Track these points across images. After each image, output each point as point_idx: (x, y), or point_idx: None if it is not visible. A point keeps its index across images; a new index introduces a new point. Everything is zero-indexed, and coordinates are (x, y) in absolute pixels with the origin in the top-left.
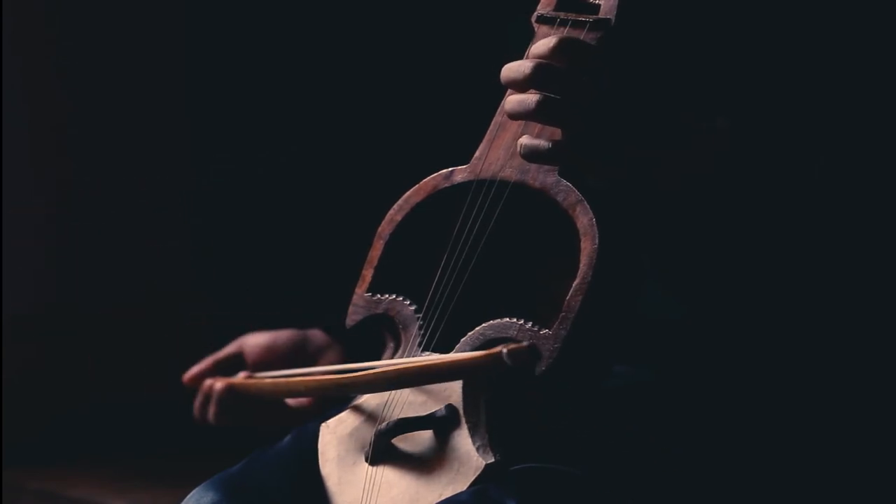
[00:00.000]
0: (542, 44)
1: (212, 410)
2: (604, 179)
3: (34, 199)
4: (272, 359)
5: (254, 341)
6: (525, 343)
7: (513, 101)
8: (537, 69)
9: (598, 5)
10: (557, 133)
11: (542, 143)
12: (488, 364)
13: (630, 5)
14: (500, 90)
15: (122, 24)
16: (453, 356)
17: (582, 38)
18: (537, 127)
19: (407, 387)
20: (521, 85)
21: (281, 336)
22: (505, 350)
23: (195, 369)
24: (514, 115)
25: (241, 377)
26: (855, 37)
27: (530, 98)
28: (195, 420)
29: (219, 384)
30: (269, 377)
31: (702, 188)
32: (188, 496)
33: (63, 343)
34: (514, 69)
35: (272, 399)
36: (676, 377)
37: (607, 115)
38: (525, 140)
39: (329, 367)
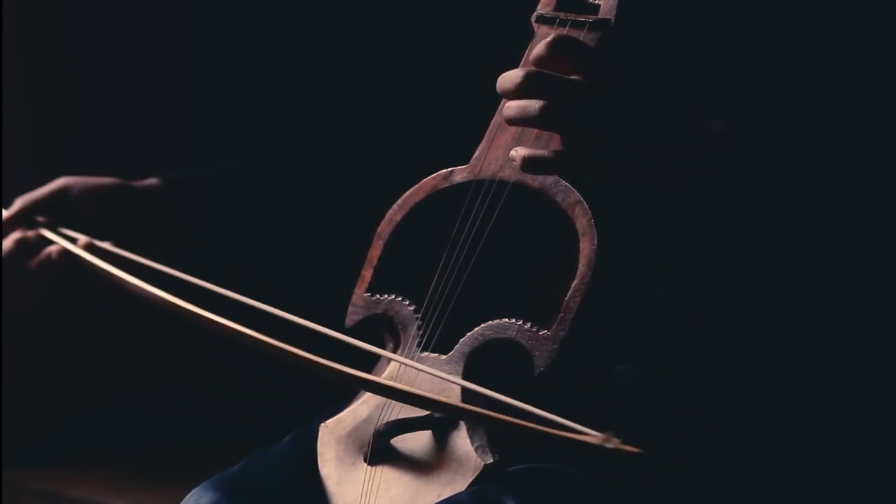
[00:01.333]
0: (540, 46)
1: (35, 263)
2: (604, 180)
3: None
4: (96, 203)
5: (80, 184)
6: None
7: (512, 107)
8: (527, 78)
9: (598, 5)
10: (555, 139)
11: (544, 153)
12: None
13: (630, 5)
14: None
15: (122, 24)
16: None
17: (581, 38)
18: (532, 134)
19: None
20: (513, 95)
21: (107, 182)
22: (609, 445)
23: (14, 208)
24: (514, 122)
25: (82, 242)
26: (855, 37)
27: (533, 105)
28: (2, 259)
29: (55, 248)
30: (110, 254)
31: (703, 188)
32: (188, 496)
33: (63, 343)
34: (506, 79)
35: (105, 281)
36: (677, 377)
37: (607, 115)
38: (523, 152)
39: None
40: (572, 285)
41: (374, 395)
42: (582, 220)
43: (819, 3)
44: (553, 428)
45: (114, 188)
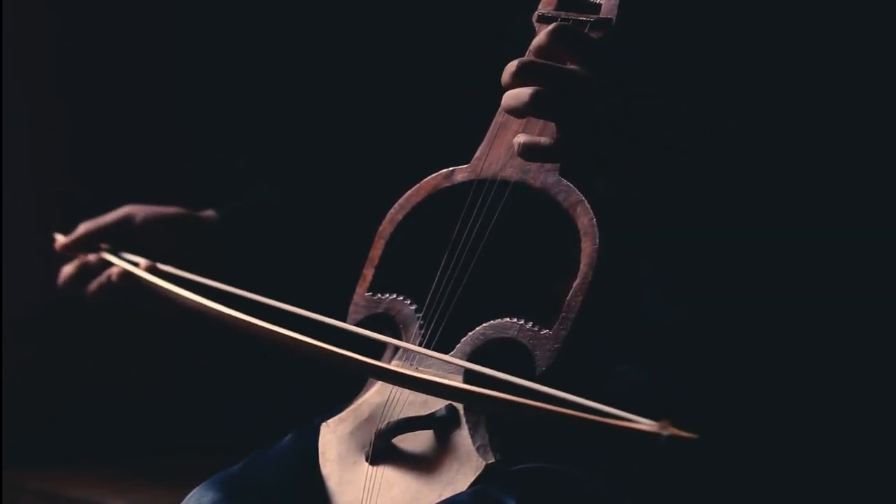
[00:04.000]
0: (541, 35)
1: (94, 286)
2: (608, 177)
3: (34, 199)
4: (159, 232)
5: (144, 212)
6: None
7: (507, 96)
8: (521, 66)
9: (599, 5)
10: (553, 130)
11: (541, 139)
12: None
13: (631, 5)
14: (501, 90)
15: (122, 24)
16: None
17: None
18: (538, 127)
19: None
20: (510, 84)
21: (170, 211)
22: (664, 433)
23: (78, 234)
24: (508, 110)
25: (144, 265)
26: (857, 37)
27: (524, 92)
28: (61, 287)
29: (116, 270)
30: (172, 275)
31: (702, 186)
32: (188, 496)
33: (63, 343)
34: (508, 70)
35: (166, 301)
36: (678, 377)
37: (604, 105)
38: (522, 138)
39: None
40: (574, 285)
41: (375, 395)
42: (584, 220)
43: (820, 2)
44: (604, 417)
45: (177, 217)
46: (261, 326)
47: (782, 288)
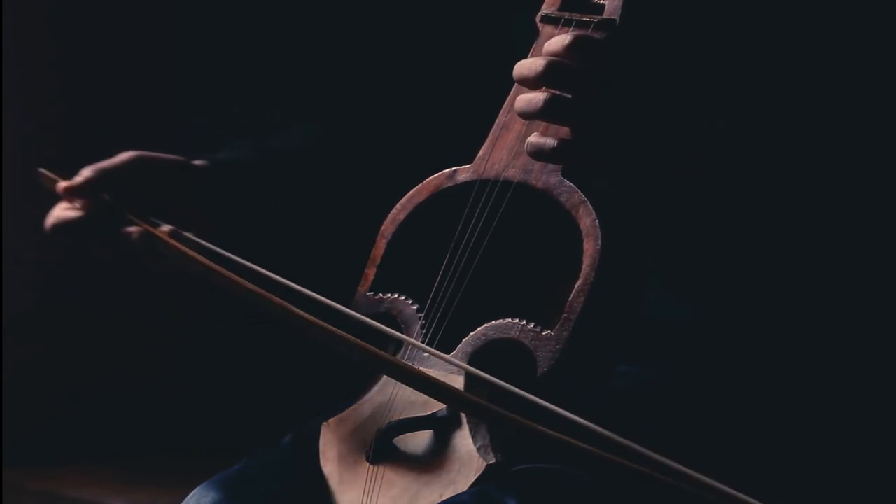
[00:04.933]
0: (557, 41)
1: (106, 241)
2: (611, 179)
3: (34, 199)
4: (158, 179)
5: (147, 157)
6: None
7: (522, 99)
8: (550, 66)
9: (603, 5)
10: (564, 132)
11: (549, 141)
12: None
13: (635, 6)
14: (504, 90)
15: (122, 24)
16: None
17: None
18: (542, 126)
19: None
20: (532, 82)
21: (172, 158)
22: None
23: (83, 177)
24: (522, 114)
25: (165, 230)
26: (854, 38)
27: (538, 97)
28: (53, 230)
29: (137, 229)
30: (196, 246)
31: (706, 188)
32: (188, 496)
33: (63, 342)
34: (526, 66)
35: (181, 264)
36: (681, 377)
37: (617, 115)
38: (532, 138)
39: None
40: (576, 286)
41: (376, 394)
42: (586, 221)
43: (820, 3)
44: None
45: (176, 165)
46: (278, 303)
47: (783, 287)
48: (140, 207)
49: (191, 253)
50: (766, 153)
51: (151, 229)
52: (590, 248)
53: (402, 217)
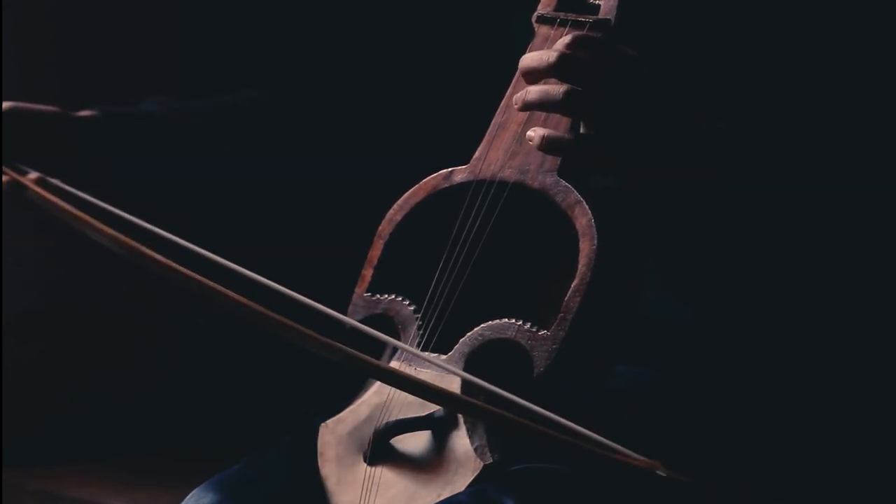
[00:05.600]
0: (564, 38)
1: None
2: (616, 175)
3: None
4: (32, 128)
5: (20, 108)
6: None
7: (535, 91)
8: (563, 58)
9: (598, 5)
10: (565, 126)
11: (566, 135)
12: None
13: (630, 5)
14: (500, 90)
15: (122, 24)
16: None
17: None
18: (540, 121)
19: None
20: (542, 74)
21: (44, 107)
22: (661, 472)
23: None
24: (534, 105)
25: (32, 177)
26: (853, 37)
27: (556, 89)
28: None
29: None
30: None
31: (706, 187)
32: (188, 496)
33: (63, 343)
34: (536, 58)
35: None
36: (680, 377)
37: (621, 111)
38: (543, 132)
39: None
40: (572, 286)
41: (373, 395)
42: (582, 221)
43: (817, 2)
44: (601, 449)
45: (51, 114)
46: (165, 265)
47: (782, 287)
48: (8, 155)
49: (56, 200)
50: (765, 153)
51: (17, 176)
52: (586, 247)
53: (398, 218)
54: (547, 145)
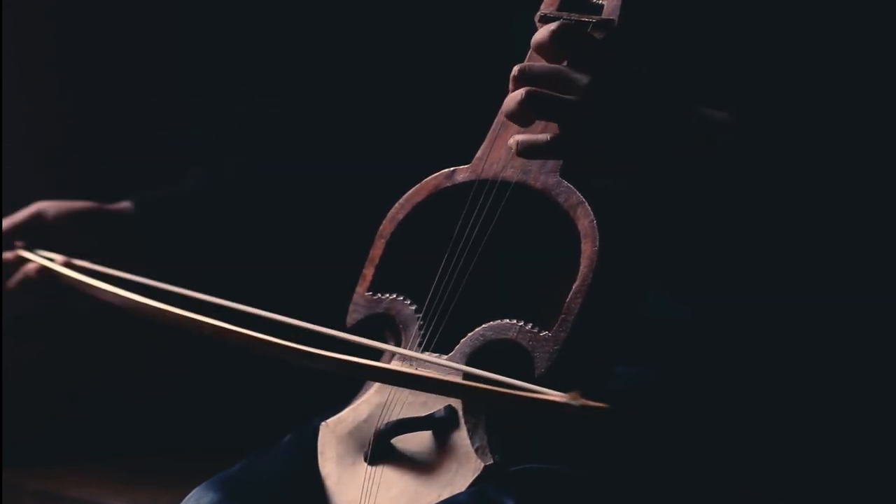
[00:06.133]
0: (541, 32)
1: (12, 283)
2: (612, 176)
3: (34, 198)
4: (72, 227)
5: (55, 207)
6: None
7: (506, 101)
8: (520, 72)
9: (602, 5)
10: (553, 129)
11: (539, 136)
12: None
13: (634, 5)
14: (502, 90)
15: (122, 23)
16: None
17: None
18: (539, 127)
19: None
20: (510, 89)
21: (81, 205)
22: (575, 403)
23: None
24: (508, 115)
25: (60, 260)
26: (853, 37)
27: (517, 93)
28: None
29: (33, 266)
30: (88, 270)
31: (706, 183)
32: (188, 496)
33: (63, 343)
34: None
35: (84, 292)
36: (679, 378)
37: (610, 108)
38: (520, 137)
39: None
40: (573, 287)
41: (374, 395)
42: (584, 222)
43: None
44: (515, 390)
45: (88, 212)
46: (181, 315)
47: (781, 287)
48: (31, 245)
49: (85, 279)
50: (766, 153)
51: (46, 262)
52: (588, 248)
53: (400, 217)
54: (520, 150)
